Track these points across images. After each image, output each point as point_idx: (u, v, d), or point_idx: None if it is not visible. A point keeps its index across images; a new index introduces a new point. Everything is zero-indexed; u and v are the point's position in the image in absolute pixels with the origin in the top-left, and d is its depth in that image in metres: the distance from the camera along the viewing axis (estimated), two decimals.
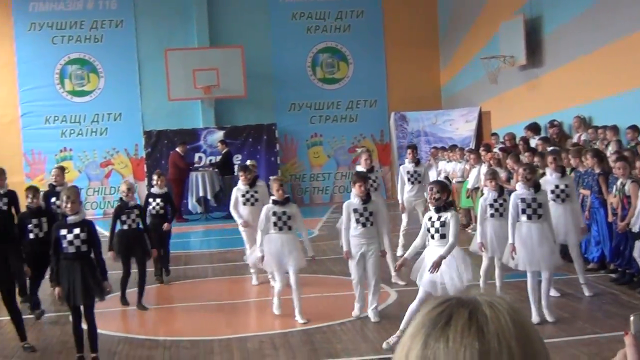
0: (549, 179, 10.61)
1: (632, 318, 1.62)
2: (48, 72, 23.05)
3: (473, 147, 19.27)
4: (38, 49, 22.93)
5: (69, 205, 8.09)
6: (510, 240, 9.22)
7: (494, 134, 19.28)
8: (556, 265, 9.46)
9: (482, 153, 16.07)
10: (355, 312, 9.61)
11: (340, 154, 24.30)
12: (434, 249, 8.33)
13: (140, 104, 23.34)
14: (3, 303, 9.20)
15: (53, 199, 11.81)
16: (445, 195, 8.44)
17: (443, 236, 8.32)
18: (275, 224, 9.60)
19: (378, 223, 9.43)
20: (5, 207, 11.53)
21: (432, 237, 8.39)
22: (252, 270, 11.95)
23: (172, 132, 22.68)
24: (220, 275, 13.11)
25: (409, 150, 13.86)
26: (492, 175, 10.05)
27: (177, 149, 21.28)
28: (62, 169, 13.07)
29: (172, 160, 21.12)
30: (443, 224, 8.32)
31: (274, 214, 9.59)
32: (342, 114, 24.32)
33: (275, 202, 9.69)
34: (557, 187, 10.46)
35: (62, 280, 8.08)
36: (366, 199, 9.38)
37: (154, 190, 12.38)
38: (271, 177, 10.91)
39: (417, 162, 13.73)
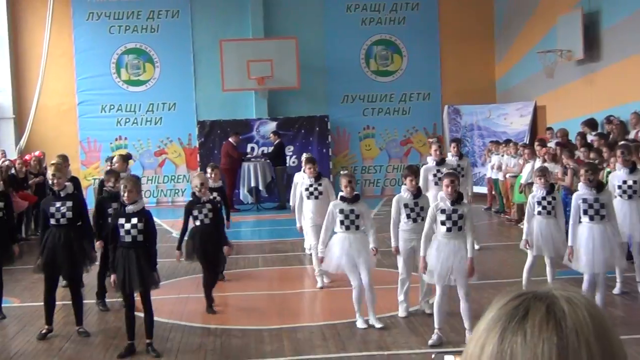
0: (618, 174, 10.39)
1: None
2: (105, 61, 23.35)
3: (527, 142, 19.07)
4: (95, 38, 23.24)
5: (126, 194, 8.21)
6: (569, 243, 9.07)
7: (549, 129, 19.04)
8: (621, 268, 9.30)
9: (537, 148, 15.90)
10: (401, 314, 9.46)
11: (392, 146, 24.22)
12: (449, 242, 8.25)
13: (195, 94, 23.53)
14: (69, 287, 9.36)
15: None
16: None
17: (460, 228, 8.27)
18: (342, 223, 8.96)
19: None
20: None
21: (449, 229, 8.27)
22: (316, 272, 11.33)
23: (225, 122, 22.81)
24: (271, 266, 13.18)
25: (452, 144, 13.60)
26: (542, 172, 9.89)
27: (230, 139, 21.40)
28: (125, 157, 13.15)
29: (225, 150, 21.25)
30: (461, 217, 8.25)
31: (341, 211, 8.95)
32: (394, 106, 24.22)
33: (343, 199, 9.05)
34: (624, 182, 10.22)
35: (118, 268, 8.21)
36: (417, 193, 9.28)
37: (209, 184, 11.52)
38: (341, 172, 10.28)
39: (460, 156, 13.48)
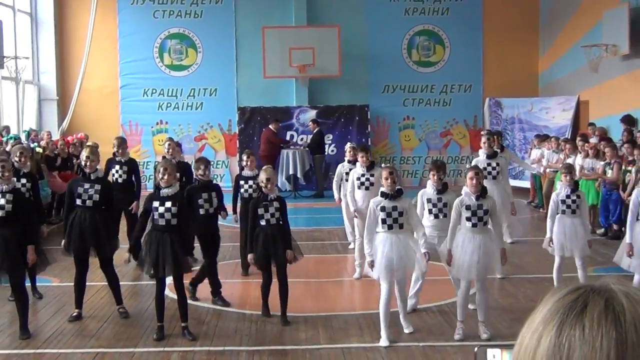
0: None
1: (476, 350, 1.59)
2: (148, 45, 23.52)
3: (569, 137, 18.89)
4: (139, 22, 23.41)
5: (165, 178, 8.28)
6: (627, 240, 8.95)
7: (591, 124, 18.84)
8: None
9: (579, 143, 15.75)
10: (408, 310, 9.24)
11: (431, 137, 24.12)
12: (474, 237, 8.20)
13: (236, 80, 23.62)
14: (101, 268, 9.49)
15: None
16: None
17: (486, 223, 8.22)
18: (383, 222, 8.14)
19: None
20: (125, 176, 11.95)
21: (475, 225, 8.18)
22: (357, 262, 11.19)
23: (265, 109, 22.88)
24: (307, 254, 13.15)
25: (483, 139, 12.65)
26: (568, 169, 9.68)
27: (270, 126, 21.45)
28: (177, 144, 13.26)
29: (266, 137, 21.30)
30: (486, 212, 8.18)
31: (382, 209, 8.13)
32: (435, 97, 24.11)
33: (384, 195, 8.21)
34: None
35: (151, 251, 8.29)
36: (442, 189, 9.10)
37: (246, 172, 11.21)
38: (382, 165, 9.73)
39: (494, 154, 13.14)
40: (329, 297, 10.51)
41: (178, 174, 9.76)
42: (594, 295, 1.31)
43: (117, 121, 23.48)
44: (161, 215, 8.27)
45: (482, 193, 8.21)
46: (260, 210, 8.89)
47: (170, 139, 13.17)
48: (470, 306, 9.10)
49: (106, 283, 9.64)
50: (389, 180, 8.12)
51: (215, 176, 22.96)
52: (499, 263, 8.33)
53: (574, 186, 9.57)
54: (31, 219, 8.81)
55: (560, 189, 9.59)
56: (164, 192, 8.30)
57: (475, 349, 1.56)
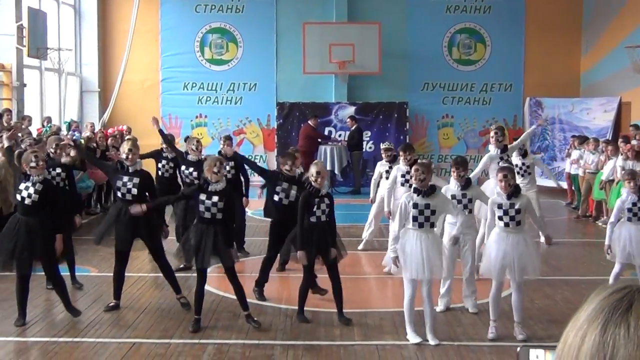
0: None
1: (518, 350, 1.57)
2: (189, 39, 23.67)
3: (610, 138, 18.67)
4: (181, 16, 23.56)
5: (217, 174, 8.41)
6: (606, 242, 8.94)
7: (633, 126, 18.59)
8: None
9: (621, 145, 15.56)
10: (440, 308, 9.25)
11: (470, 136, 24.00)
12: (507, 237, 8.11)
13: (276, 76, 23.67)
14: (154, 259, 9.55)
15: (183, 168, 12.06)
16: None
17: (519, 223, 8.11)
18: (415, 219, 7.98)
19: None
20: (171, 171, 12.09)
21: (507, 224, 8.09)
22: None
23: (304, 104, 22.91)
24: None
25: (492, 133, 12.42)
26: (631, 175, 9.32)
27: (309, 122, 21.48)
28: (228, 137, 13.37)
29: (305, 132, 21.31)
30: (518, 211, 8.08)
31: (415, 206, 7.99)
32: (475, 96, 23.97)
33: (416, 191, 8.07)
34: None
35: (194, 243, 8.38)
36: (465, 184, 9.01)
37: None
38: (418, 161, 9.28)
39: (524, 154, 13.01)
40: (364, 294, 10.51)
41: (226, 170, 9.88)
42: (639, 294, 1.31)
43: (157, 114, 23.61)
44: (207, 209, 8.36)
45: (514, 192, 8.13)
46: (313, 207, 8.67)
47: (228, 137, 13.00)
48: (471, 310, 9.06)
49: (142, 274, 9.73)
50: (417, 174, 8.03)
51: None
52: (535, 264, 8.25)
53: None
54: (63, 208, 8.97)
55: (627, 196, 9.27)
56: (213, 187, 8.39)
57: (518, 349, 1.56)
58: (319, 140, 21.66)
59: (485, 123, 23.88)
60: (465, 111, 23.86)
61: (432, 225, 8.08)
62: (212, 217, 8.36)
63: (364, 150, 22.06)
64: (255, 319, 8.68)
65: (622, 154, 15.20)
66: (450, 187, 9.12)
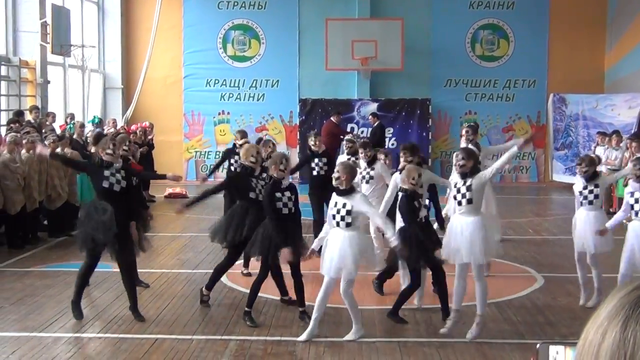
0: None
1: (538, 346, 1.54)
2: (212, 36, 23.72)
3: (635, 135, 18.51)
4: (204, 13, 23.62)
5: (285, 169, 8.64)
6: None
7: None
8: None
9: None
10: (416, 302, 9.19)
11: (493, 133, 23.87)
12: (459, 218, 8.13)
13: (298, 72, 23.67)
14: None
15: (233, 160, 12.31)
16: (471, 163, 8.12)
17: (470, 201, 8.03)
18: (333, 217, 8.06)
19: None
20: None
21: (460, 203, 8.08)
22: None
23: (326, 101, 22.91)
24: None
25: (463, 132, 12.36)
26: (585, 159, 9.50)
27: (332, 118, 21.44)
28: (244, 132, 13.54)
29: (328, 129, 21.26)
30: (469, 188, 8.02)
31: (335, 204, 8.15)
32: (498, 92, 23.85)
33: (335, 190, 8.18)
34: None
35: (264, 237, 8.54)
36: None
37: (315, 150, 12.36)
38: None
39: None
40: (388, 290, 10.47)
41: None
42: None
43: (180, 111, 23.75)
44: (285, 205, 8.49)
45: (467, 174, 8.09)
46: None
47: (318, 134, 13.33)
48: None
49: (165, 270, 9.74)
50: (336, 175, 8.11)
51: None
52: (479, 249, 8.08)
53: None
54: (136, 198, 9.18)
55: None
56: (285, 183, 8.59)
57: (538, 345, 1.55)
58: (342, 136, 21.61)
59: (508, 119, 23.78)
60: (489, 107, 23.75)
61: (348, 225, 7.90)
62: (288, 212, 8.50)
63: (386, 147, 21.99)
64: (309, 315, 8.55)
65: None
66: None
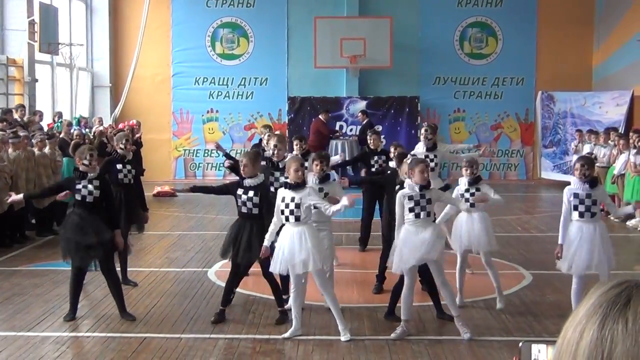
0: None
1: (520, 345, 1.55)
2: (200, 34, 23.68)
3: (622, 132, 18.58)
4: (192, 11, 23.58)
5: (245, 169, 8.48)
6: (559, 241, 8.40)
7: None
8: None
9: (633, 138, 15.49)
10: None
11: (482, 130, 23.93)
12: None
13: (287, 70, 23.67)
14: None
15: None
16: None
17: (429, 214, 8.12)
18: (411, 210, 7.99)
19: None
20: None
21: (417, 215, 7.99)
22: None
23: (315, 99, 22.91)
24: (354, 244, 13.18)
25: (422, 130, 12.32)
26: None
27: (320, 116, 21.46)
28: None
29: (316, 127, 21.31)
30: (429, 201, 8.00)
31: (410, 197, 7.99)
32: (487, 90, 23.90)
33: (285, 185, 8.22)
34: None
35: (231, 237, 8.53)
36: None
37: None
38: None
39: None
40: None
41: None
42: (637, 289, 1.30)
43: (169, 109, 23.72)
44: (244, 204, 8.44)
45: (427, 185, 8.01)
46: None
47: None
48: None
49: (154, 269, 9.72)
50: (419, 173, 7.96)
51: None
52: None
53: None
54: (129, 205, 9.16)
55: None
56: (248, 182, 8.47)
57: (520, 344, 1.55)
58: (330, 135, 21.65)
59: (497, 117, 23.83)
60: (477, 105, 23.80)
61: (297, 219, 7.94)
62: (248, 212, 8.47)
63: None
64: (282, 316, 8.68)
65: (634, 148, 15.13)
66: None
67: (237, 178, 8.98)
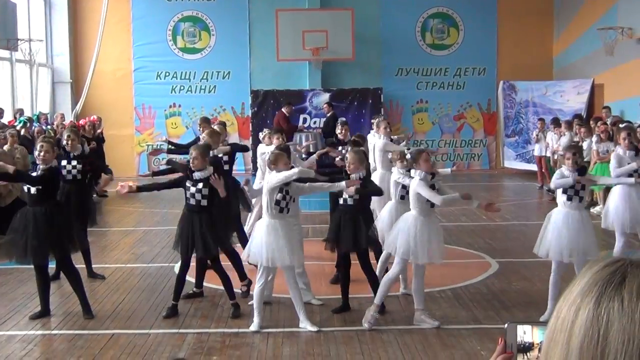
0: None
1: (506, 326, 1.56)
2: (161, 28, 23.51)
3: (584, 120, 18.77)
4: (152, 5, 23.40)
5: (195, 162, 8.38)
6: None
7: (606, 107, 18.72)
8: None
9: (596, 126, 15.67)
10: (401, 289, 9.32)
11: (444, 121, 24.06)
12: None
13: (249, 63, 23.59)
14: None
15: None
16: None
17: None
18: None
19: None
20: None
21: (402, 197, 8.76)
22: None
23: (278, 92, 22.87)
24: (321, 236, 13.13)
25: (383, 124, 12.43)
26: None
27: (283, 110, 21.41)
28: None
29: (277, 121, 21.26)
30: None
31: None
32: (449, 81, 24.02)
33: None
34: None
35: (183, 231, 8.52)
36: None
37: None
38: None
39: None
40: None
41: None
42: (632, 268, 1.30)
43: (131, 104, 23.52)
44: (192, 195, 8.42)
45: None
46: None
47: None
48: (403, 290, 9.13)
49: (120, 265, 9.66)
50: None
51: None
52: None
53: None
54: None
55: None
56: (197, 175, 8.40)
57: (506, 325, 1.55)
58: (293, 130, 21.60)
59: (459, 107, 23.97)
60: (440, 96, 23.92)
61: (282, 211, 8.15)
62: (196, 204, 8.44)
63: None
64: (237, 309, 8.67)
65: (596, 135, 15.30)
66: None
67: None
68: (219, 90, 23.57)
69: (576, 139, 16.62)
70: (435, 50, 24.00)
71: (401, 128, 23.73)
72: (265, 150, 10.79)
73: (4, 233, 13.50)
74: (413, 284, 8.25)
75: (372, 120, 13.52)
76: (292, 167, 8.46)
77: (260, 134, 12.17)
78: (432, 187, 8.03)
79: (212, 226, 8.39)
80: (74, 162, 10.11)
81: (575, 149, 8.43)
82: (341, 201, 8.50)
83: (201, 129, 11.64)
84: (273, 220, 8.04)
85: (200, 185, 8.41)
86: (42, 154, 8.50)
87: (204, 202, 8.42)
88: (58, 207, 8.62)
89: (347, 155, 8.52)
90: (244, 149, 12.87)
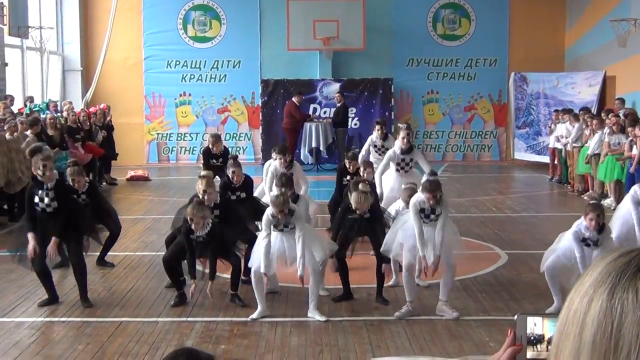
0: None
1: (516, 317, 1.53)
2: (172, 17, 23.47)
3: (595, 112, 18.68)
4: None
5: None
6: None
7: (619, 99, 18.60)
8: None
9: (607, 118, 15.59)
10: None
11: (455, 112, 23.97)
12: None
13: (260, 53, 23.53)
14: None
15: None
16: None
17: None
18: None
19: None
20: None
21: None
22: None
23: (289, 81, 22.81)
24: (322, 227, 13.12)
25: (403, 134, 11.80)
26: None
27: (294, 99, 21.39)
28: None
29: (288, 110, 21.26)
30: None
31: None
32: (460, 71, 23.92)
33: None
34: None
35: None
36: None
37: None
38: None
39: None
40: (353, 270, 10.46)
41: None
42: None
43: (141, 92, 23.52)
44: (41, 200, 8.59)
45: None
46: None
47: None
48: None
49: (129, 253, 9.68)
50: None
51: (238, 149, 22.88)
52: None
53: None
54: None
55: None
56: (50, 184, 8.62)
57: (515, 316, 1.52)
58: (304, 119, 21.59)
59: (470, 98, 23.88)
60: (450, 87, 23.83)
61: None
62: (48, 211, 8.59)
63: (349, 127, 22.00)
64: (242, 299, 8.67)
65: (607, 128, 15.23)
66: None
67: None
68: (229, 79, 23.54)
69: (587, 131, 16.54)
70: (446, 40, 23.90)
71: (411, 119, 23.65)
72: (274, 165, 10.77)
73: (15, 220, 13.60)
74: (443, 277, 8.25)
75: (399, 125, 12.98)
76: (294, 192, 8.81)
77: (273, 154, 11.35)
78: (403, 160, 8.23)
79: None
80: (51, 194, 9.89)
81: (599, 210, 7.93)
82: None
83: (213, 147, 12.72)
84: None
85: (52, 193, 8.46)
86: (47, 173, 8.52)
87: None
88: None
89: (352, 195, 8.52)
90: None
